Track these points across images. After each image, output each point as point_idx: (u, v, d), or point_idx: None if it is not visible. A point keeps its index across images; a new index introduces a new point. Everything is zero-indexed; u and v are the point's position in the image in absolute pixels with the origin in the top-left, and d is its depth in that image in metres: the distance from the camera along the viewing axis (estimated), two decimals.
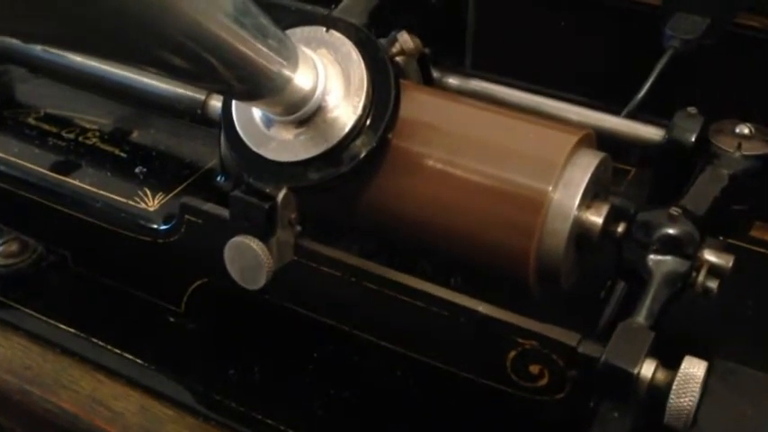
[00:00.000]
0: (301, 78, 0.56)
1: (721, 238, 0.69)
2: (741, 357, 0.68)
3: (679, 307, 0.60)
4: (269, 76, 0.54)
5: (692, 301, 0.62)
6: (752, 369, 0.66)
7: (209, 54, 0.48)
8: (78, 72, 0.78)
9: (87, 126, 0.84)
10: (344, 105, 0.59)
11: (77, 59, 0.78)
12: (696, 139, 0.69)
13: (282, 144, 0.59)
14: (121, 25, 0.43)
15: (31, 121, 0.85)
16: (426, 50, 0.71)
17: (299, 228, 0.60)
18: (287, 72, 0.55)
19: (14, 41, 0.80)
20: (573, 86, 0.78)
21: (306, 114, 0.58)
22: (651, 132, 0.72)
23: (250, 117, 0.61)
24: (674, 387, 0.54)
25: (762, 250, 0.80)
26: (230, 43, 0.48)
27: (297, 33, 0.60)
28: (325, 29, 0.61)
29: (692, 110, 0.70)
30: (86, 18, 0.41)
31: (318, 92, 0.58)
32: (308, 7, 0.81)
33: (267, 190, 0.58)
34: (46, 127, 0.84)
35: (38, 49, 0.79)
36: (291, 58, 0.55)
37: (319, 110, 0.58)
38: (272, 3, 0.53)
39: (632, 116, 0.75)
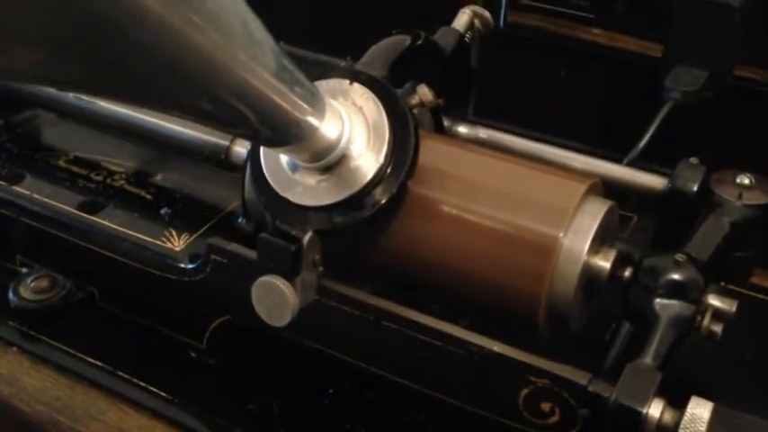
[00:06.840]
0: (328, 128, 0.58)
1: (723, 283, 0.68)
2: (741, 404, 0.70)
3: (680, 354, 0.60)
4: (298, 126, 0.55)
5: (693, 346, 0.62)
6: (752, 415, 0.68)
7: (245, 106, 0.49)
8: (107, 117, 0.80)
9: (114, 169, 0.85)
10: (367, 154, 0.60)
11: (107, 106, 0.79)
12: (698, 189, 0.70)
13: (308, 189, 0.60)
14: (173, 81, 0.44)
15: (61, 163, 0.86)
16: (440, 102, 0.72)
17: (321, 268, 0.61)
18: (314, 121, 0.56)
19: (46, 88, 0.81)
20: (574, 136, 0.79)
21: (331, 162, 0.59)
22: (654, 181, 0.73)
23: (277, 162, 0.62)
24: (680, 427, 0.55)
25: (762, 297, 0.80)
26: (268, 97, 0.50)
27: (323, 85, 0.61)
28: (348, 81, 0.62)
29: (694, 160, 0.71)
30: (139, 74, 0.43)
31: (344, 141, 0.59)
32: (325, 58, 0.83)
33: (293, 232, 0.59)
34: (75, 169, 0.85)
35: (70, 96, 0.80)
36: (319, 109, 0.57)
37: (344, 158, 0.59)
38: (291, 53, 0.55)
39: (633, 164, 0.76)
